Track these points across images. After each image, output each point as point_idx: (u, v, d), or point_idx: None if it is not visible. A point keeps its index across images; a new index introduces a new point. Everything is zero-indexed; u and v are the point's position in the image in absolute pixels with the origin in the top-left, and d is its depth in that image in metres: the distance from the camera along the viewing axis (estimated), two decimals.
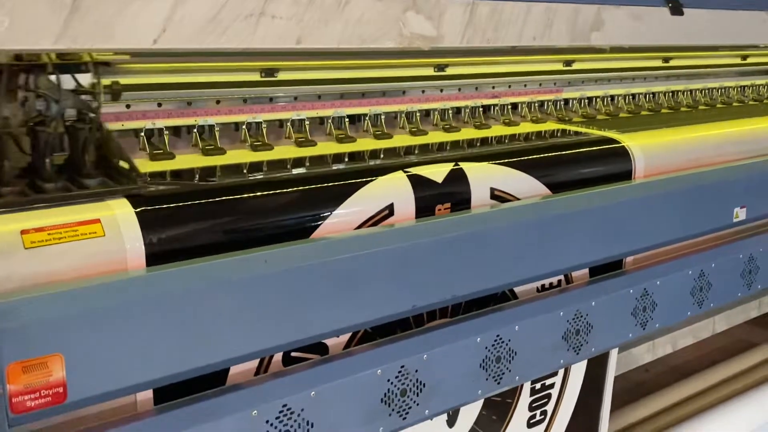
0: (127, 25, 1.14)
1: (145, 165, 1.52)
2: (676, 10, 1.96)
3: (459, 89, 2.08)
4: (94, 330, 1.06)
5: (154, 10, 1.17)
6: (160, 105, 1.58)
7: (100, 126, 1.33)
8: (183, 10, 1.21)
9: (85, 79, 1.34)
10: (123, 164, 1.32)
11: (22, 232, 1.11)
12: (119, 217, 1.19)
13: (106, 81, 1.41)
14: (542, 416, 1.90)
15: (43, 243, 1.11)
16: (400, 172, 1.53)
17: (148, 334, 1.12)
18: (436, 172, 1.58)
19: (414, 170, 1.55)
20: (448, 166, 1.60)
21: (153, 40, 1.16)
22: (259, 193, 1.37)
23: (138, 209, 1.21)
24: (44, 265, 1.10)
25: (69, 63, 1.31)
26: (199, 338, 1.17)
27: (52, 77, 1.28)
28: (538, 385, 1.84)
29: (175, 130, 1.62)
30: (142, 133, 1.56)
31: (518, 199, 1.68)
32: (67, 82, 1.30)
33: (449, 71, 2.03)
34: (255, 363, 1.33)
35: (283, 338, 1.27)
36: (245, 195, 1.35)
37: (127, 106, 1.54)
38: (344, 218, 1.43)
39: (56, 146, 1.28)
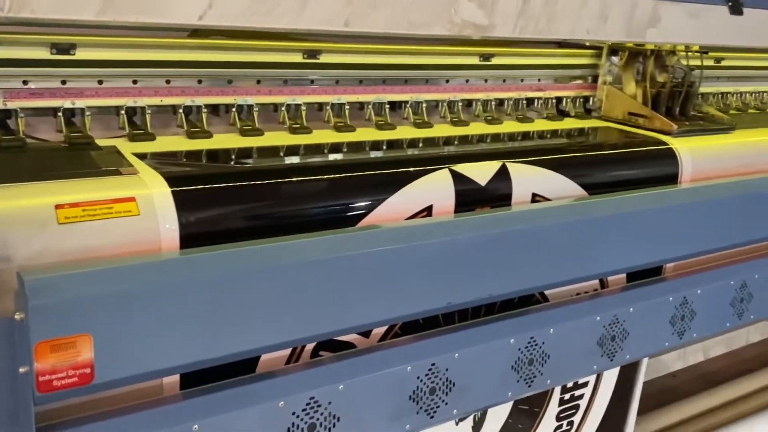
0: (171, 1, 1.11)
1: (181, 143, 1.50)
2: (736, 10, 1.88)
3: (504, 80, 2.02)
4: (124, 312, 1.04)
5: None
6: (200, 82, 1.56)
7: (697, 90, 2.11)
8: None
9: None
10: (701, 113, 2.15)
11: (57, 206, 1.08)
12: (155, 196, 1.16)
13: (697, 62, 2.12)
14: (569, 426, 1.85)
15: (77, 219, 1.09)
16: (446, 170, 1.48)
17: (179, 319, 1.09)
18: (480, 174, 1.52)
19: (458, 168, 1.50)
20: (493, 168, 1.54)
21: (198, 16, 1.12)
22: (295, 179, 1.33)
23: (174, 189, 1.18)
24: (77, 242, 1.08)
25: (684, 52, 2.10)
26: (229, 325, 1.14)
27: (682, 60, 2.09)
28: (567, 396, 1.79)
29: (214, 109, 1.60)
30: (181, 110, 1.54)
31: None
32: None
33: (495, 61, 1.97)
34: (287, 351, 1.31)
35: (314, 330, 1.23)
36: (282, 180, 1.32)
37: (167, 82, 1.52)
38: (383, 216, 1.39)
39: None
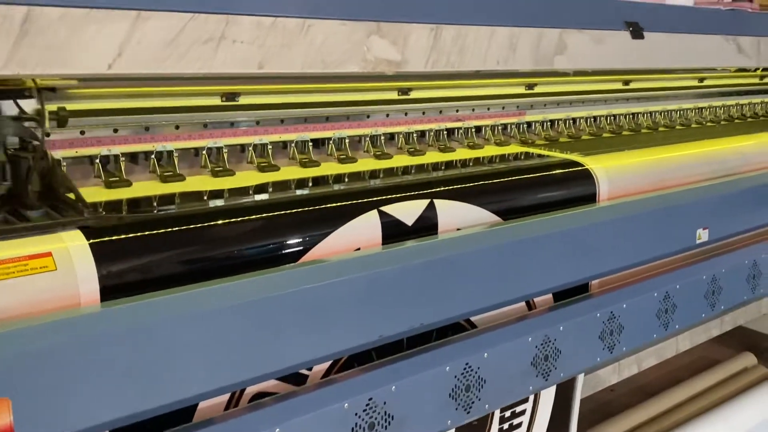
0: (80, 50, 1.10)
1: (101, 193, 1.47)
2: (637, 34, 1.98)
3: (423, 113, 2.06)
4: (45, 371, 1.00)
5: (110, 34, 1.13)
6: (116, 131, 1.53)
7: (45, 154, 1.26)
8: (140, 33, 1.16)
9: (29, 105, 1.27)
10: (69, 195, 1.25)
11: None
12: (72, 249, 1.13)
13: (51, 107, 1.33)
14: None
15: None
16: (374, 212, 1.49)
17: (104, 373, 1.06)
18: (407, 214, 1.54)
19: (386, 209, 1.52)
20: (420, 207, 1.56)
21: (108, 65, 1.11)
22: (218, 223, 1.32)
23: (91, 241, 1.15)
24: None
25: (11, 89, 1.25)
26: (158, 376, 1.12)
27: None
28: (507, 413, 1.81)
29: (132, 157, 1.57)
30: (98, 160, 1.51)
31: None
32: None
33: (413, 95, 2.01)
34: (225, 397, 1.28)
35: (244, 374, 1.22)
36: (203, 225, 1.30)
37: (82, 132, 1.49)
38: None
39: None
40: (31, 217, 1.21)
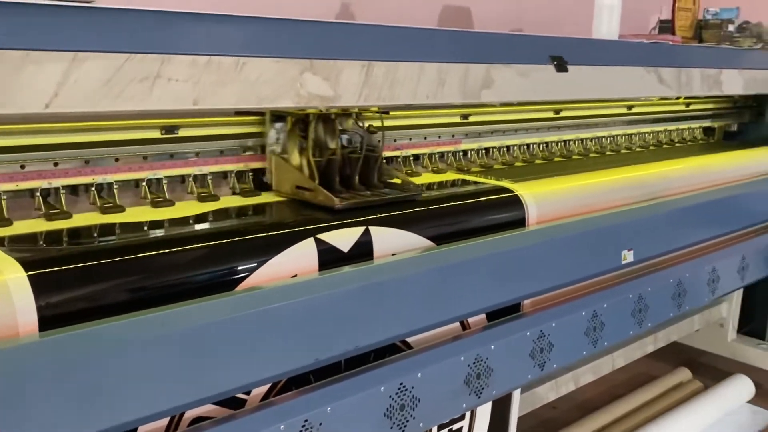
0: (17, 90, 1.14)
1: (41, 225, 1.51)
2: (561, 68, 2.09)
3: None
4: None
5: (47, 75, 1.18)
6: (56, 164, 1.57)
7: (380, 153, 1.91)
8: (77, 73, 1.21)
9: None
10: (396, 180, 1.92)
11: None
12: (10, 281, 1.17)
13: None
14: None
15: None
16: (311, 239, 1.55)
17: (41, 402, 1.10)
18: (343, 242, 1.61)
19: (322, 236, 1.58)
20: (355, 234, 1.63)
21: (45, 104, 1.16)
22: (156, 252, 1.37)
23: (30, 272, 1.19)
24: None
25: (363, 111, 1.94)
26: (95, 402, 1.16)
27: (358, 122, 1.91)
28: (444, 431, 1.88)
29: (73, 189, 1.61)
30: (38, 193, 1.55)
31: None
32: None
33: None
34: (165, 421, 1.32)
35: (181, 399, 1.26)
36: (144, 254, 1.35)
37: (22, 167, 1.53)
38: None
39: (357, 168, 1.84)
40: (386, 192, 1.82)
